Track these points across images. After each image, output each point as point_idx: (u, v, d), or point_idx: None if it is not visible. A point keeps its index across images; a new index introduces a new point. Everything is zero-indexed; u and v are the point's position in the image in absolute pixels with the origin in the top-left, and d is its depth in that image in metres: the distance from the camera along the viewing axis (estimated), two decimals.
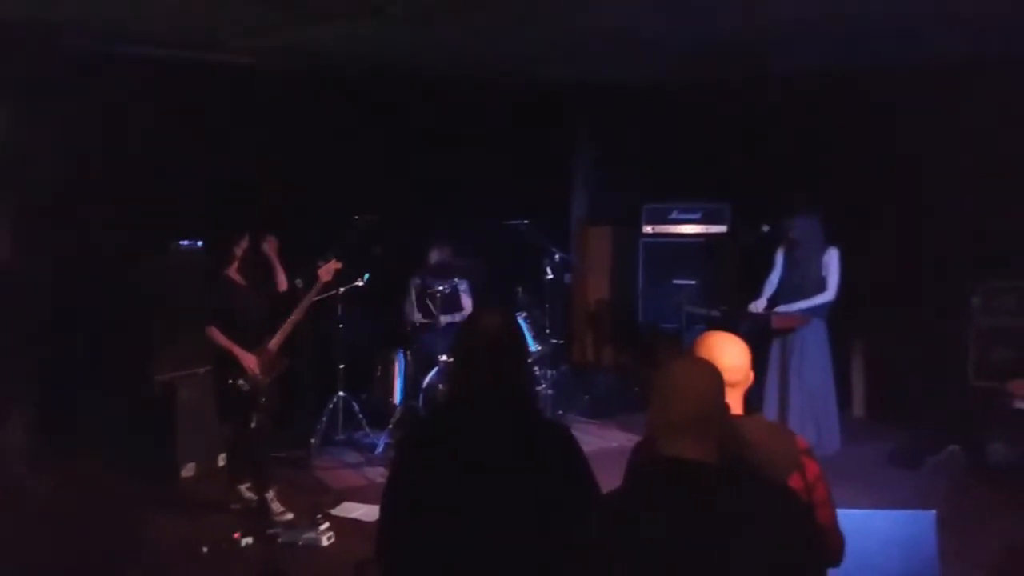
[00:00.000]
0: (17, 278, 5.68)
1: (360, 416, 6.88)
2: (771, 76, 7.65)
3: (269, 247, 5.79)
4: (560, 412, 7.52)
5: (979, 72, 6.47)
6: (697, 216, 8.47)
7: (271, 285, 5.75)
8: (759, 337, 6.26)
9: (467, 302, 7.48)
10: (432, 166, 7.73)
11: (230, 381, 5.37)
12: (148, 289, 6.27)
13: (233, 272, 5.52)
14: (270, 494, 5.47)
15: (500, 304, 5.89)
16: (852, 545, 2.61)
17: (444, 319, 7.07)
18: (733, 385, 2.58)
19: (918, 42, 6.35)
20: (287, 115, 6.98)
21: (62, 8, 5.29)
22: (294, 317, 5.68)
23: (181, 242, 6.40)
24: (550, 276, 7.56)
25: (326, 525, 5.16)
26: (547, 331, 7.49)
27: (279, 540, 5.09)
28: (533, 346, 7.12)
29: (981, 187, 6.69)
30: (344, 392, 6.87)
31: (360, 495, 5.84)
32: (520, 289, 7.61)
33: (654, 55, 7.03)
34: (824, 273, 6.36)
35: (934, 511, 3.28)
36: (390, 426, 6.85)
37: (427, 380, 6.96)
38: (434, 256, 7.27)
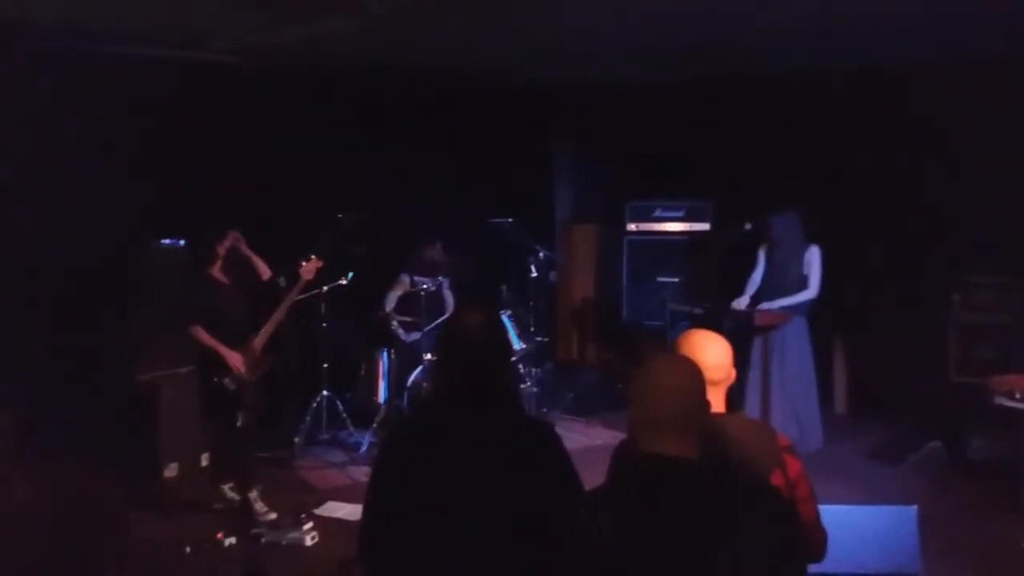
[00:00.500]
0: None
1: (344, 415, 6.87)
2: (753, 75, 7.69)
3: (237, 242, 5.70)
4: (545, 410, 7.53)
5: (957, 71, 6.52)
6: (680, 214, 8.50)
7: (254, 276, 5.70)
8: (742, 334, 6.29)
9: (450, 300, 7.48)
10: (416, 165, 7.72)
11: (215, 380, 5.35)
12: (130, 288, 6.23)
13: (216, 271, 5.50)
14: (253, 494, 5.45)
15: (484, 302, 5.89)
16: (834, 540, 2.63)
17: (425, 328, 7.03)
18: (715, 383, 2.59)
19: (896, 43, 6.40)
20: (270, 114, 6.94)
21: (42, 7, 5.25)
22: (277, 316, 5.66)
23: (163, 241, 6.37)
24: (534, 274, 7.57)
25: (310, 525, 5.15)
26: (532, 329, 7.49)
27: (263, 540, 5.08)
28: (518, 344, 7.12)
29: (961, 184, 6.74)
30: (328, 391, 6.85)
31: (344, 494, 5.82)
32: (505, 287, 7.61)
33: (638, 55, 7.05)
34: (806, 271, 6.40)
35: (915, 507, 3.31)
36: (374, 425, 6.83)
37: (411, 379, 6.95)
38: (425, 253, 7.26)
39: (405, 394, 6.93)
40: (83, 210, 6.03)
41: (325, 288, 6.63)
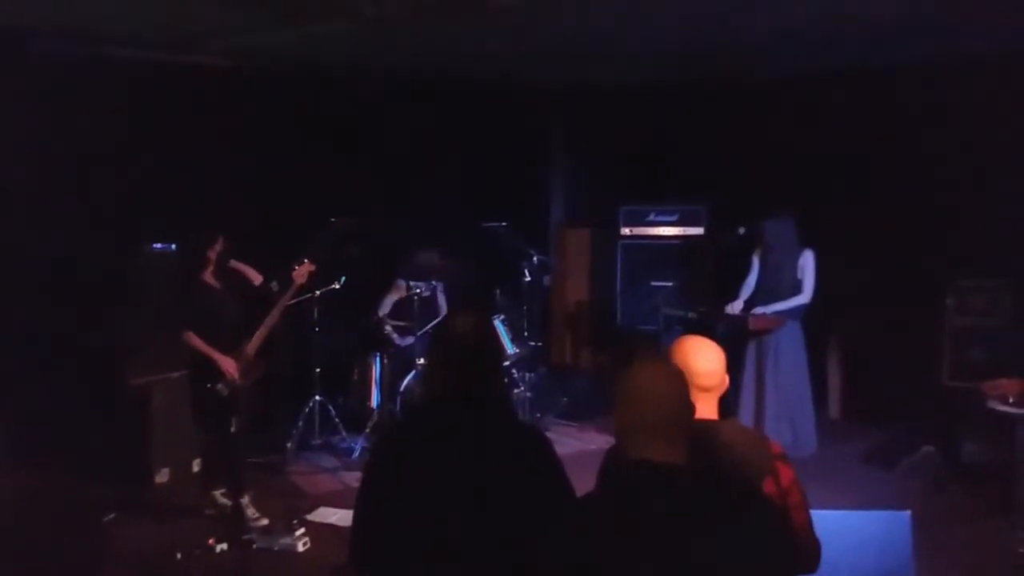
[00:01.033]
0: None
1: (337, 420, 6.84)
2: (747, 79, 7.70)
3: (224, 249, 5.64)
4: (538, 414, 7.51)
5: (949, 74, 6.53)
6: (674, 218, 8.50)
7: (246, 281, 5.67)
8: (736, 339, 6.29)
9: (443, 305, 7.46)
10: (410, 168, 7.70)
11: (208, 385, 5.32)
12: (122, 293, 6.21)
13: (208, 276, 5.47)
14: (245, 499, 5.42)
15: (477, 306, 5.87)
16: (828, 545, 2.62)
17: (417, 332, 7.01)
18: (708, 390, 2.58)
19: (889, 46, 6.41)
20: (263, 117, 6.93)
21: (39, 11, 5.23)
22: (269, 320, 5.63)
23: (155, 245, 6.35)
24: (528, 278, 7.56)
25: (302, 530, 5.12)
26: (525, 333, 7.48)
27: (254, 546, 5.04)
28: (511, 348, 7.10)
29: (955, 188, 6.74)
30: (321, 396, 6.83)
31: (336, 500, 5.79)
32: (498, 291, 7.60)
33: (631, 59, 7.05)
34: (799, 276, 6.41)
35: (909, 511, 3.29)
36: (367, 430, 6.80)
37: (404, 384, 6.93)
38: (421, 257, 7.24)
39: (398, 399, 6.90)
40: (75, 214, 6.01)
41: (318, 292, 6.62)
